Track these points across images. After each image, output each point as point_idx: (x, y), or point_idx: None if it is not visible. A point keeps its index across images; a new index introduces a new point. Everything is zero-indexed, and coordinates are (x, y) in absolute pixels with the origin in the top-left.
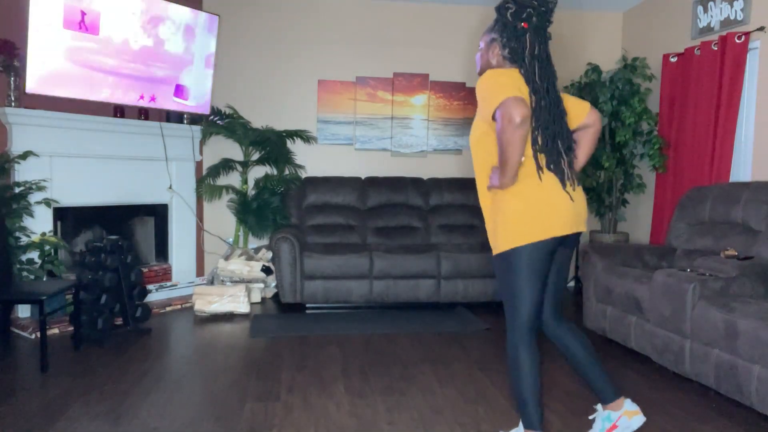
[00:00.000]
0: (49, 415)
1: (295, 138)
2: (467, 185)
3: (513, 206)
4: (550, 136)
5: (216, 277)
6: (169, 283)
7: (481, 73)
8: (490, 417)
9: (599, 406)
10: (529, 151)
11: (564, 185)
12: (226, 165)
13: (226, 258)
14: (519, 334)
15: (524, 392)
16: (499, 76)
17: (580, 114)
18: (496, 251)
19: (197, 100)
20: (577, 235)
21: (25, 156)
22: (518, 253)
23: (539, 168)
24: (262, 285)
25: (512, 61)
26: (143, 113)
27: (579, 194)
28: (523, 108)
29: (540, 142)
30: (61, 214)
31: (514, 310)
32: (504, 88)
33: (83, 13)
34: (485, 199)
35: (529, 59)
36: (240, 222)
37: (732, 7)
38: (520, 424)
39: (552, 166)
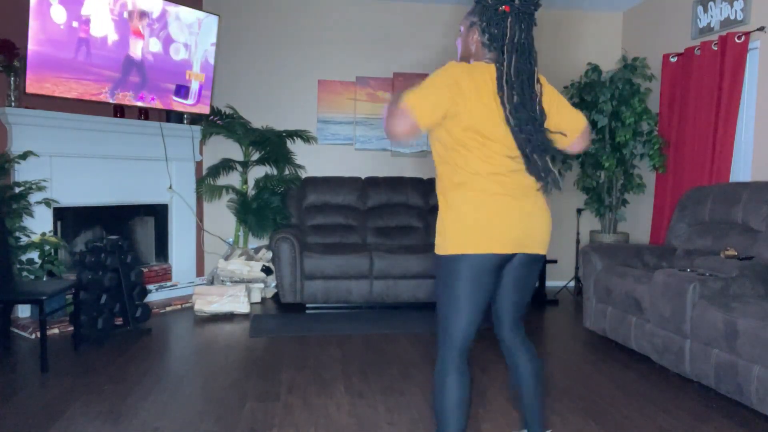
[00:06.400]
0: (49, 415)
1: (295, 138)
2: None
3: (463, 209)
4: (525, 138)
5: (216, 277)
6: (169, 283)
7: (462, 60)
8: (490, 417)
9: None
10: (490, 151)
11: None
12: (226, 165)
13: (226, 258)
14: (450, 357)
15: (448, 424)
16: (444, 71)
17: (569, 129)
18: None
19: (197, 100)
20: (529, 256)
21: (25, 156)
22: (462, 259)
23: (496, 173)
24: (262, 285)
25: (491, 49)
26: (143, 113)
27: (538, 210)
28: (406, 127)
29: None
30: (61, 214)
31: (446, 328)
32: (429, 90)
33: (83, 13)
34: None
35: (509, 48)
36: (240, 222)
37: (732, 7)
38: None
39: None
